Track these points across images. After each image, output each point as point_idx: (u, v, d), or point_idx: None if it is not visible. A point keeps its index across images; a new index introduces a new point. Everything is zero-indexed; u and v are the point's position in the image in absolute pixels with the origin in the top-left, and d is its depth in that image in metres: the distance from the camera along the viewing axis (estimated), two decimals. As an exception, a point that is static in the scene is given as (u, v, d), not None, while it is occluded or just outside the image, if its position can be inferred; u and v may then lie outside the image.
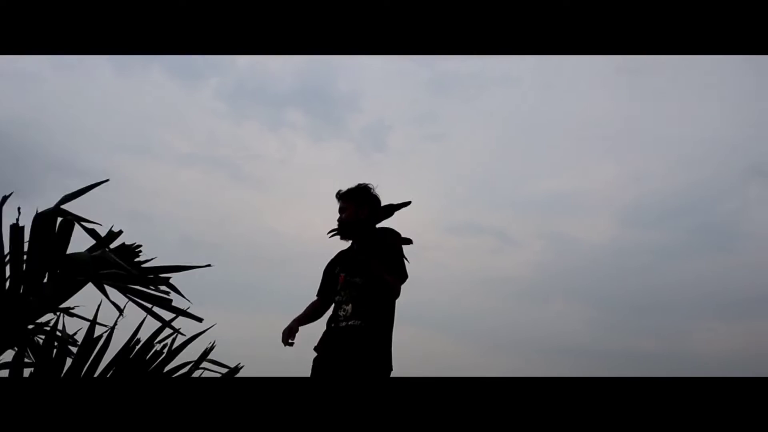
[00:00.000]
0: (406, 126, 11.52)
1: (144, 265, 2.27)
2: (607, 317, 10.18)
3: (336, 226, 2.73)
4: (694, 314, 9.72)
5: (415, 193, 11.32)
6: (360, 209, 2.74)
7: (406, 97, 11.54)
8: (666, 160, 10.78)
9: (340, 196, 2.80)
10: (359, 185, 2.79)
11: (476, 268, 10.81)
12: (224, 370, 2.32)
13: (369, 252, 2.64)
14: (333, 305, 2.71)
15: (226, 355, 2.34)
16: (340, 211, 2.78)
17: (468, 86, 10.94)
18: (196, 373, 2.22)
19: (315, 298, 2.84)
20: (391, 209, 2.67)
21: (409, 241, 2.68)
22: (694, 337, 9.64)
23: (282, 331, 2.58)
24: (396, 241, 2.68)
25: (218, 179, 10.97)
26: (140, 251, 2.32)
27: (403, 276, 2.64)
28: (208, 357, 2.27)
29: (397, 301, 2.58)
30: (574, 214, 11.09)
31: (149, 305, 2.17)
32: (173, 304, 2.20)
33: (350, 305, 2.60)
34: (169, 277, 2.26)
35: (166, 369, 2.16)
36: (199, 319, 2.24)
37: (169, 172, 10.72)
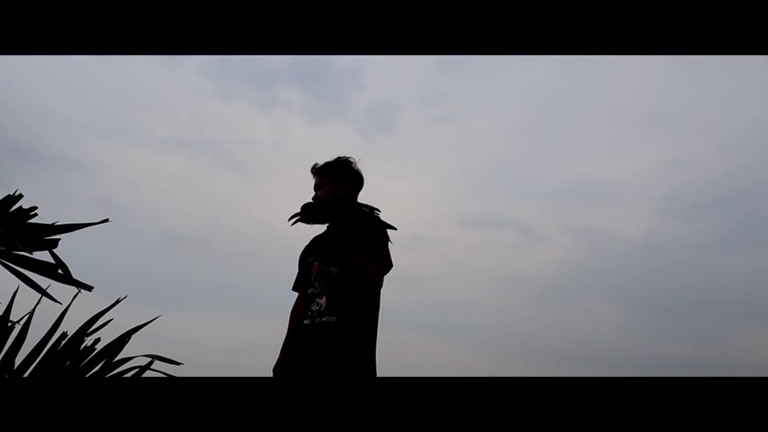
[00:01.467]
0: (416, 105, 11.43)
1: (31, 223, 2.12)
2: (641, 320, 10.14)
3: (300, 211, 2.65)
4: (737, 317, 9.61)
5: (425, 180, 11.38)
6: (339, 186, 2.71)
7: (417, 72, 11.42)
8: (708, 144, 10.66)
9: (316, 170, 2.75)
10: (338, 158, 2.75)
11: (494, 266, 10.76)
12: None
13: (346, 236, 2.60)
14: (306, 299, 2.66)
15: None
16: (316, 188, 2.74)
17: (484, 61, 10.82)
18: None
19: (295, 298, 2.78)
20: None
21: (391, 227, 2.64)
22: (737, 343, 9.59)
23: (272, 369, 2.55)
24: (378, 224, 2.64)
25: (204, 166, 11.01)
26: (35, 214, 2.19)
27: (387, 264, 2.61)
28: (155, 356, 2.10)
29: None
30: (605, 204, 10.98)
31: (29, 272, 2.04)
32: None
33: (324, 298, 2.56)
34: (58, 239, 2.15)
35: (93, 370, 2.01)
36: (89, 288, 2.09)
37: (147, 159, 10.73)
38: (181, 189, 10.88)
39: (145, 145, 10.70)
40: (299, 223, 2.63)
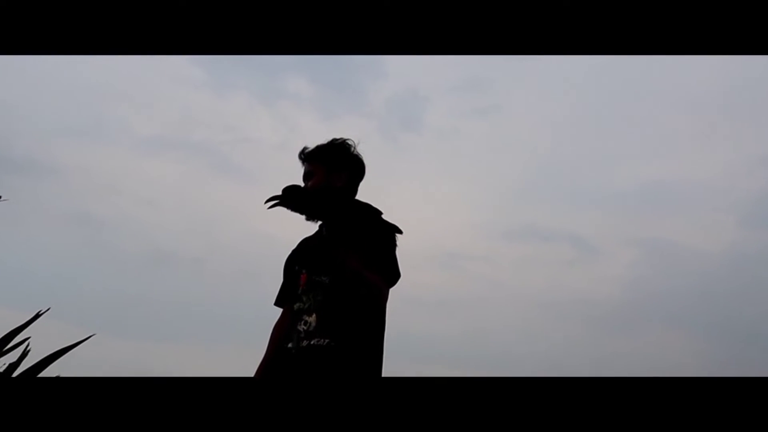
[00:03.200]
0: (446, 96, 11.49)
1: None
2: (719, 350, 10.00)
3: (281, 193, 2.55)
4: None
5: (459, 186, 11.45)
6: (333, 174, 2.66)
7: (447, 57, 11.21)
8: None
9: (306, 155, 2.72)
10: (333, 140, 2.71)
11: (544, 286, 10.70)
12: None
13: (342, 238, 2.54)
14: (292, 317, 2.59)
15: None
16: (305, 177, 2.69)
17: (529, 43, 10.96)
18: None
19: (278, 314, 2.73)
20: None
21: (397, 230, 2.59)
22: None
23: None
24: (383, 224, 2.58)
25: (195, 170, 11.07)
26: None
27: (394, 274, 2.53)
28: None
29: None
30: (676, 211, 10.86)
31: None
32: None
33: (314, 315, 2.48)
34: None
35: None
36: None
37: (128, 162, 10.78)
38: (167, 198, 11.02)
39: (125, 146, 10.84)
40: (293, 219, 2.56)
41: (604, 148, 11.32)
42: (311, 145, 2.72)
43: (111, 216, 10.60)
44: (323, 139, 2.72)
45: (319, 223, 2.68)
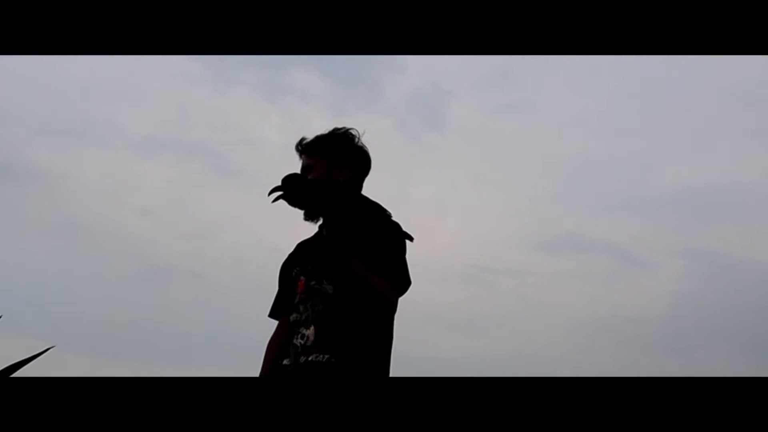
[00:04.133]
0: (473, 91, 11.38)
1: None
2: None
3: (281, 184, 2.58)
4: None
5: (487, 191, 11.37)
6: (336, 167, 2.68)
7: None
8: None
9: (304, 147, 2.73)
10: (335, 130, 2.72)
11: (582, 303, 10.64)
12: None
13: (346, 238, 2.54)
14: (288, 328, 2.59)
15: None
16: (304, 172, 2.70)
17: (563, 32, 10.86)
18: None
19: (273, 327, 2.72)
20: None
21: (408, 237, 2.61)
22: None
23: None
24: (392, 225, 2.59)
25: (192, 174, 11.03)
26: None
27: (404, 281, 2.54)
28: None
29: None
30: (729, 218, 10.67)
31: None
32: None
33: (312, 328, 2.48)
34: None
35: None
36: None
37: (119, 166, 10.77)
38: (162, 205, 11.07)
39: (114, 148, 10.80)
40: (281, 204, 2.56)
41: (647, 149, 11.19)
42: (310, 136, 2.73)
43: (99, 225, 10.62)
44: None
45: (319, 223, 2.70)
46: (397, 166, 10.64)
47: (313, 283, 2.56)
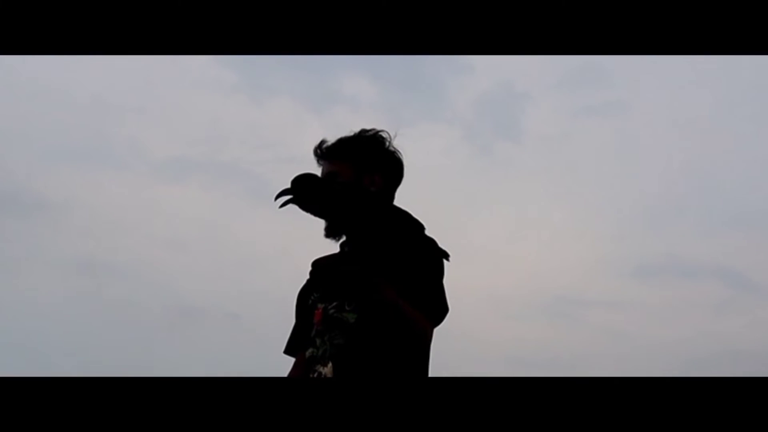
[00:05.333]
0: (553, 93, 11.52)
1: None
2: None
3: (290, 186, 2.52)
4: None
5: (571, 208, 11.45)
6: (365, 175, 2.67)
7: None
8: None
9: (325, 151, 2.72)
10: (362, 132, 2.72)
11: (688, 337, 10.51)
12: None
13: (372, 258, 2.50)
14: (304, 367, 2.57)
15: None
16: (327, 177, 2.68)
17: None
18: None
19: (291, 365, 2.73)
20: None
21: (445, 256, 2.57)
22: None
23: None
24: (428, 243, 2.56)
25: (227, 199, 11.16)
26: None
27: (441, 309, 2.51)
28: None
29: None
30: None
31: None
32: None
33: (330, 365, 2.46)
34: None
35: None
36: None
37: (142, 193, 11.00)
38: (192, 237, 11.17)
39: (136, 171, 10.98)
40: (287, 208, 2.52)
41: (759, 156, 11.05)
42: (331, 139, 2.72)
43: (120, 262, 10.69)
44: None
45: (342, 240, 2.68)
46: (466, 181, 10.61)
47: (332, 311, 2.54)
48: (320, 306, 2.57)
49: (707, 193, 11.38)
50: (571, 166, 11.26)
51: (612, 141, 11.34)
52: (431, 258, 2.54)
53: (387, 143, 2.70)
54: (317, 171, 2.70)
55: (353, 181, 2.62)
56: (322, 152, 2.69)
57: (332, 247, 2.68)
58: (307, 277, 2.65)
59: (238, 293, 10.78)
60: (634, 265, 11.06)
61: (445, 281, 2.56)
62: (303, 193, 2.49)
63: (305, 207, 2.53)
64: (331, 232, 2.66)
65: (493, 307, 10.35)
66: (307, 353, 2.56)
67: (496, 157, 11.05)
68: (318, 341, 2.53)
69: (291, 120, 11.50)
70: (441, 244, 2.56)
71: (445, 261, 2.57)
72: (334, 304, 2.53)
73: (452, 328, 2.51)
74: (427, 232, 2.61)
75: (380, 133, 2.71)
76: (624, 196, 11.34)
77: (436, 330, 2.51)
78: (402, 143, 2.63)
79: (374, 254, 2.51)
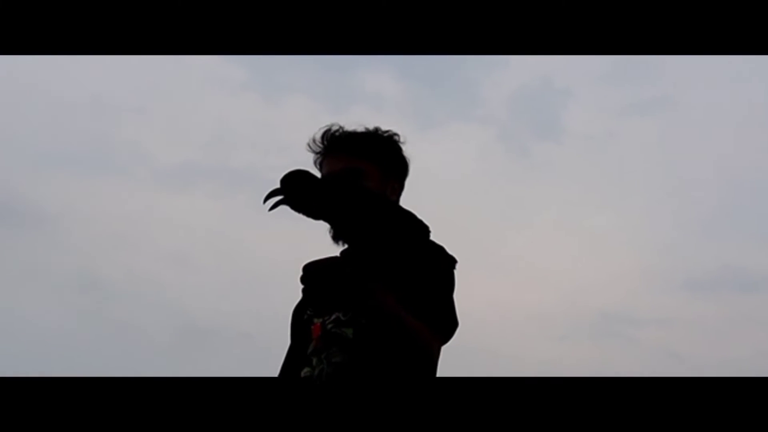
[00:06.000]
0: (595, 87, 11.46)
1: None
2: None
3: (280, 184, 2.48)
4: None
5: (618, 215, 11.44)
6: (391, 182, 2.71)
7: None
8: None
9: (346, 141, 2.71)
10: (378, 130, 2.74)
11: (748, 356, 10.27)
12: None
13: (372, 263, 2.46)
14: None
15: None
16: (349, 175, 2.66)
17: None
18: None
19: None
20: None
21: (452, 261, 2.53)
22: None
23: None
24: (436, 250, 2.53)
25: (238, 210, 11.01)
26: None
27: (449, 324, 2.48)
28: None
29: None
30: None
31: None
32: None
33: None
34: None
35: None
36: None
37: (145, 202, 11.02)
38: (201, 250, 11.18)
39: (138, 179, 10.98)
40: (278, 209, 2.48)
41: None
42: (338, 128, 2.71)
43: (123, 278, 10.69)
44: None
45: (342, 248, 2.66)
46: (500, 187, 10.52)
47: (330, 326, 2.52)
48: (317, 321, 2.56)
49: (766, 199, 11.18)
50: (616, 169, 11.20)
51: (660, 142, 11.29)
52: (438, 265, 2.51)
53: (401, 143, 2.74)
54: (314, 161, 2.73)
55: (380, 185, 2.63)
56: (341, 141, 2.69)
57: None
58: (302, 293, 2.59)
59: (251, 311, 10.71)
60: (686, 278, 11.03)
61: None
62: (295, 192, 2.46)
63: (298, 208, 2.49)
64: (339, 234, 2.65)
65: (533, 325, 10.37)
66: (303, 372, 2.51)
67: (534, 159, 11.04)
68: (314, 360, 2.50)
69: (307, 121, 11.01)
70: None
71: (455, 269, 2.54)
72: (333, 318, 2.52)
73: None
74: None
75: (396, 135, 2.74)
76: (673, 202, 11.31)
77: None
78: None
79: (372, 257, 2.48)
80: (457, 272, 2.53)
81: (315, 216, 2.53)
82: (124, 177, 10.91)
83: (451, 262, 2.53)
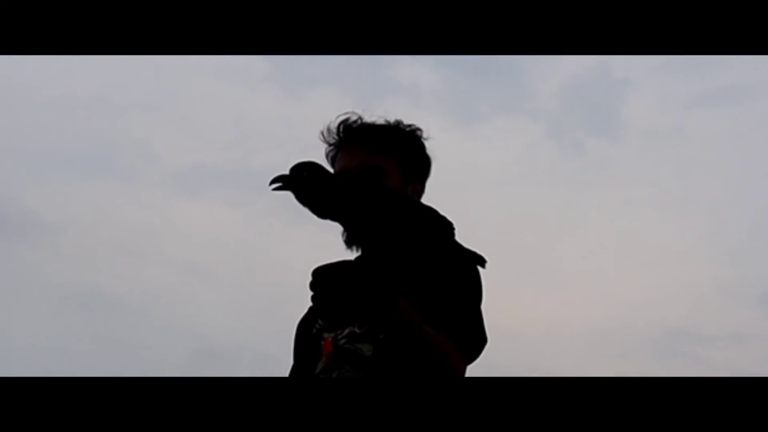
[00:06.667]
0: (659, 78, 11.13)
1: None
2: None
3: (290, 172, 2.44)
4: None
5: (686, 220, 11.36)
6: (413, 183, 2.73)
7: None
8: None
9: (366, 134, 2.72)
10: (399, 124, 2.75)
11: None
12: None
13: (389, 268, 2.38)
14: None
15: None
16: (368, 172, 2.64)
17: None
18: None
19: None
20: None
21: (482, 260, 2.49)
22: None
23: None
24: (464, 254, 2.48)
25: (258, 218, 10.93)
26: None
27: (478, 340, 2.45)
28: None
29: None
30: None
31: None
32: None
33: None
34: None
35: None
36: None
37: (155, 210, 10.97)
38: (218, 262, 11.07)
39: (147, 184, 10.96)
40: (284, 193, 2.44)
41: None
42: (357, 118, 2.73)
43: (129, 294, 10.66)
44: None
45: (356, 254, 2.62)
46: (551, 188, 10.43)
47: (343, 341, 2.49)
48: (328, 336, 2.54)
49: None
50: (683, 169, 11.09)
51: (734, 137, 11.10)
52: (465, 270, 2.49)
53: (426, 145, 2.75)
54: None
55: (401, 185, 2.64)
56: (361, 136, 2.69)
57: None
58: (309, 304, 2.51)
59: (273, 330, 10.19)
60: (761, 291, 10.81)
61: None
62: (305, 183, 2.43)
63: (304, 200, 2.45)
64: (352, 240, 2.63)
65: (588, 342, 10.20)
66: None
67: (589, 157, 10.99)
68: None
69: (336, 115, 10.92)
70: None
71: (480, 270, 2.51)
72: (347, 332, 2.49)
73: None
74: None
75: (418, 131, 2.74)
76: (748, 206, 11.06)
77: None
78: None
79: (391, 262, 2.43)
80: (488, 275, 2.51)
81: (321, 213, 2.48)
82: (130, 181, 10.94)
83: (479, 261, 2.50)
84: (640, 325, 10.44)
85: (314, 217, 2.46)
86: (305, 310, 2.80)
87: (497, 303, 2.56)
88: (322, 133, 2.76)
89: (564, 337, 9.41)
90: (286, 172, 2.42)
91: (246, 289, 10.99)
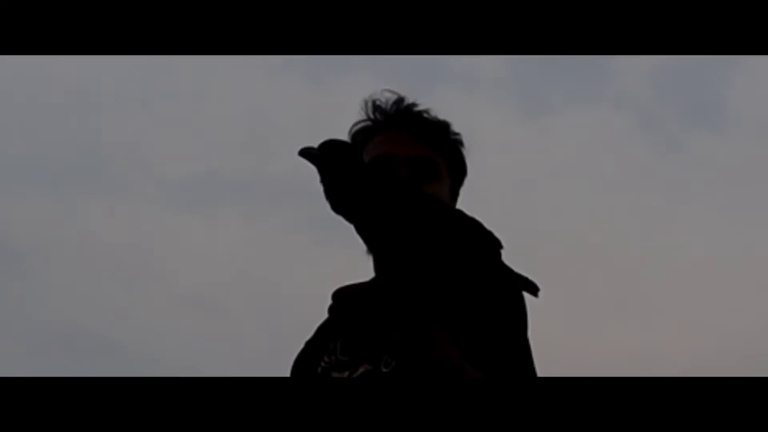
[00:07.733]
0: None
1: None
2: None
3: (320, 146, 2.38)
4: None
5: None
6: (457, 185, 2.91)
7: None
8: None
9: (421, 118, 2.85)
10: (449, 124, 2.89)
11: None
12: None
13: (426, 294, 2.27)
14: None
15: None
16: (412, 166, 2.74)
17: None
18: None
19: None
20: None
21: (533, 287, 2.32)
22: None
23: None
24: (509, 276, 2.34)
25: (277, 234, 11.38)
26: None
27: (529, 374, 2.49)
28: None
29: None
30: None
31: None
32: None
33: None
34: None
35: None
36: None
37: (152, 226, 11.13)
38: (231, 289, 11.21)
39: (143, 199, 11.19)
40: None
41: None
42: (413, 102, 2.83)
43: (122, 332, 10.81)
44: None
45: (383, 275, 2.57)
46: (642, 191, 10.41)
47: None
48: (340, 375, 2.58)
49: None
50: None
51: None
52: (512, 297, 2.51)
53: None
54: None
55: (450, 191, 2.80)
56: (421, 124, 2.78)
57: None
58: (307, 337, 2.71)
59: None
60: None
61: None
62: (336, 162, 2.37)
63: (329, 180, 2.38)
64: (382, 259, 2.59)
65: (694, 372, 9.74)
66: None
67: (688, 154, 11.03)
68: None
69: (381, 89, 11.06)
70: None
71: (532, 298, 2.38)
72: (361, 371, 2.53)
73: None
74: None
75: (460, 135, 2.88)
76: None
77: None
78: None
79: (426, 285, 2.30)
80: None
81: (338, 206, 2.38)
82: (120, 195, 11.06)
83: (530, 289, 2.34)
84: (758, 363, 10.23)
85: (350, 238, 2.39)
86: (301, 345, 2.94)
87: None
88: (366, 104, 2.86)
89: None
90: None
91: (265, 318, 11.27)
